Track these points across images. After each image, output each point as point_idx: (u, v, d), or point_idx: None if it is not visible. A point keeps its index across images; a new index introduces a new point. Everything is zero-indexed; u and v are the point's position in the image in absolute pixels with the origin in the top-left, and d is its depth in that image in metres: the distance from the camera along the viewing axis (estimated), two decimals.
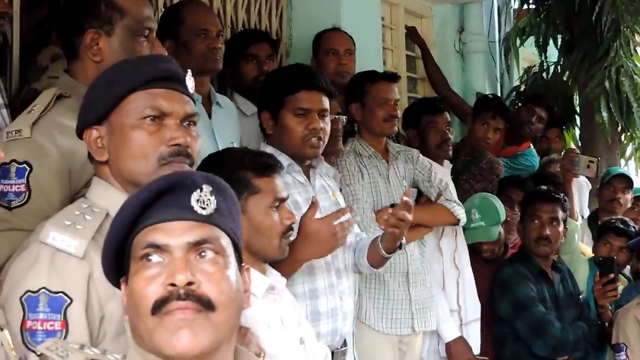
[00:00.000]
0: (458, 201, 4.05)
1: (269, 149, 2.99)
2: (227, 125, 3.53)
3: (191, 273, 1.51)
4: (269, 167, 2.56)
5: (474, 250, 4.43)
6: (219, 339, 1.54)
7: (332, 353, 2.96)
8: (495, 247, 4.50)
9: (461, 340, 4.18)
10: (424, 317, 3.97)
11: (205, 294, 1.52)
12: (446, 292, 4.24)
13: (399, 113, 4.07)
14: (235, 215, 1.67)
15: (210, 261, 1.55)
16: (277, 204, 2.54)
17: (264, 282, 2.48)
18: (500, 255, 4.58)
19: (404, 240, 3.16)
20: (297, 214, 2.87)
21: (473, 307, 4.31)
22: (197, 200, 1.57)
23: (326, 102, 3.06)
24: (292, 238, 2.63)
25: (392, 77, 4.03)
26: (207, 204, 1.58)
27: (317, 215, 3.01)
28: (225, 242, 1.60)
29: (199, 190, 1.57)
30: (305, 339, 2.60)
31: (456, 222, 4.02)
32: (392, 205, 3.74)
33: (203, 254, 1.55)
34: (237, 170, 2.49)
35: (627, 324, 4.15)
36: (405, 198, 2.99)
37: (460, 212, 3.98)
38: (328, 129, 3.08)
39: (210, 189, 1.59)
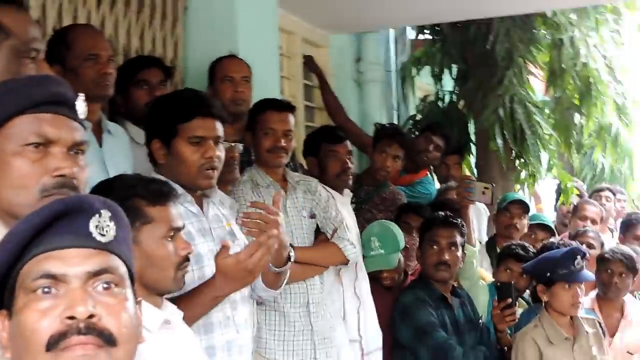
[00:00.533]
0: (351, 239, 4.00)
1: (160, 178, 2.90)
2: (119, 154, 3.41)
3: (92, 305, 1.41)
4: (164, 194, 2.45)
5: (374, 279, 4.40)
6: None
7: None
8: (395, 275, 4.48)
9: None
10: (325, 347, 3.90)
11: (106, 327, 1.42)
12: (347, 322, 4.19)
13: (294, 143, 4.01)
14: (130, 243, 1.59)
15: (110, 293, 1.46)
16: (172, 234, 2.44)
17: (159, 316, 2.37)
18: (401, 282, 4.56)
19: (292, 252, 3.11)
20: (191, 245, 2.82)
21: (374, 336, 4.26)
22: (96, 227, 1.47)
23: (220, 129, 2.98)
24: (187, 270, 2.53)
25: (280, 107, 3.93)
26: (107, 231, 1.48)
27: (211, 245, 2.94)
28: (124, 272, 1.51)
29: (97, 216, 1.48)
30: None
31: (346, 262, 3.99)
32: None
33: (103, 284, 1.45)
34: (129, 198, 2.37)
35: (525, 346, 4.19)
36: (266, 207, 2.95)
37: (351, 251, 3.95)
38: (223, 156, 3.00)
39: (109, 214, 1.50)
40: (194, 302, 2.69)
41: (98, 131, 3.36)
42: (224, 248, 2.72)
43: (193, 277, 2.82)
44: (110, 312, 1.43)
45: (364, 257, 4.31)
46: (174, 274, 2.43)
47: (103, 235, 1.47)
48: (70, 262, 1.43)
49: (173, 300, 2.54)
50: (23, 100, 1.85)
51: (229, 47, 4.52)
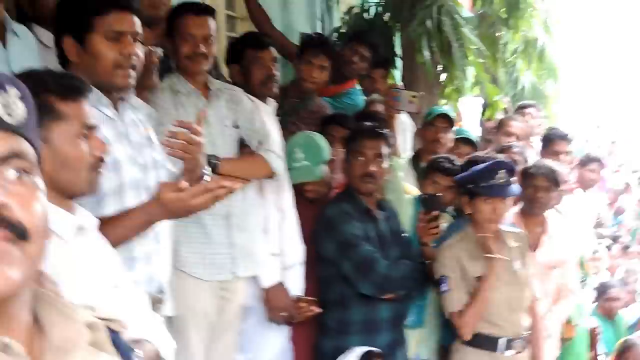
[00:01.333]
0: (277, 150, 3.88)
1: None
2: (25, 57, 3.20)
3: (2, 194, 1.21)
4: (76, 89, 2.26)
5: (298, 191, 4.28)
6: (31, 275, 1.26)
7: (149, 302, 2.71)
8: (319, 187, 4.36)
9: (279, 286, 4.06)
10: (245, 261, 3.82)
11: (19, 220, 1.22)
12: (268, 236, 4.07)
13: (214, 50, 3.82)
14: (36, 132, 1.38)
15: (21, 181, 1.25)
16: (86, 132, 2.26)
17: (73, 222, 2.21)
18: (325, 195, 4.45)
19: (206, 170, 3.01)
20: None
21: (295, 250, 4.17)
22: (3, 105, 1.26)
23: (139, 25, 2.78)
24: (102, 172, 2.36)
25: (199, 10, 3.74)
26: (15, 110, 1.27)
27: (128, 150, 2.76)
28: (34, 158, 1.30)
29: (3, 92, 1.26)
30: (120, 284, 2.35)
31: (272, 174, 3.87)
32: (208, 158, 3.54)
33: (13, 171, 1.25)
34: (38, 93, 2.14)
35: (447, 258, 4.15)
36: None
37: (277, 163, 3.84)
38: (142, 55, 2.81)
39: (18, 93, 1.29)
40: (122, 224, 2.56)
41: (1, 31, 3.16)
42: (168, 185, 2.61)
43: (111, 185, 2.69)
44: (23, 202, 1.24)
45: (287, 169, 4.18)
46: (89, 176, 2.27)
47: (10, 115, 1.26)
48: None
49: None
50: None
51: None
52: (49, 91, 2.20)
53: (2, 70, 2.88)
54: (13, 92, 1.28)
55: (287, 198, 4.18)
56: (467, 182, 4.23)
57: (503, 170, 4.11)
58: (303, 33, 5.59)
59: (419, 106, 4.73)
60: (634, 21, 21.37)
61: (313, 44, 5.03)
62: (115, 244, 2.50)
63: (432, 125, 5.38)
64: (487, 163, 4.22)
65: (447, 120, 5.41)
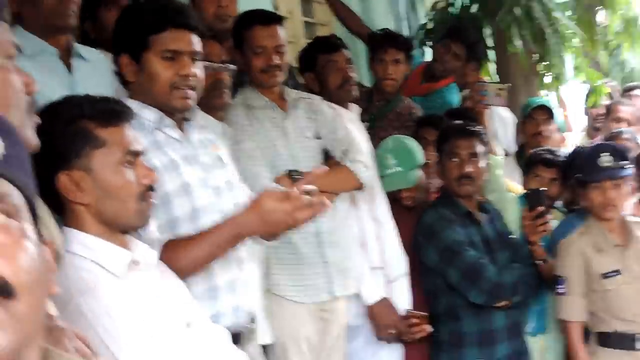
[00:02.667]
0: (364, 160, 3.64)
1: (131, 102, 2.51)
2: (94, 81, 3.05)
3: None
4: (116, 113, 2.10)
5: (394, 200, 4.04)
6: (23, 338, 1.05)
7: (239, 334, 2.55)
8: (416, 193, 4.11)
9: (384, 301, 3.81)
10: (343, 279, 3.59)
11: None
12: (367, 250, 3.84)
13: (288, 59, 3.62)
14: (27, 165, 1.19)
15: (2, 227, 1.07)
16: (130, 159, 2.08)
17: (124, 257, 2.04)
18: (423, 201, 4.18)
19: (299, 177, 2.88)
20: (176, 175, 2.47)
21: (398, 262, 3.92)
22: None
23: (198, 43, 2.60)
24: (153, 200, 2.16)
25: (267, 19, 3.55)
26: None
27: (199, 173, 2.57)
28: (19, 201, 1.11)
29: None
30: (193, 322, 2.16)
31: (361, 186, 3.63)
32: (290, 173, 3.40)
33: None
34: (74, 120, 2.04)
35: (569, 256, 3.86)
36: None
37: (365, 174, 3.60)
38: (202, 75, 2.62)
39: None
40: (206, 240, 2.39)
41: (67, 58, 3.06)
42: (271, 193, 2.43)
43: (184, 210, 2.50)
44: (4, 253, 1.04)
45: (380, 177, 3.96)
46: (136, 206, 2.09)
47: None
48: None
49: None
50: None
51: None
52: (86, 117, 2.06)
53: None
54: None
55: (382, 207, 3.95)
56: (573, 172, 3.99)
57: (607, 153, 3.83)
58: (370, 32, 5.34)
59: (506, 99, 4.42)
60: None
61: (379, 40, 4.80)
62: (197, 265, 2.36)
63: (532, 118, 5.14)
64: (589, 148, 4.01)
65: (547, 111, 5.15)
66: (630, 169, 3.92)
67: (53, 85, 2.84)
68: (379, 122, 4.64)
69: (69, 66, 3.04)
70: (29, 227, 1.10)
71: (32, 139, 1.61)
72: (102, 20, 3.54)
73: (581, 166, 3.93)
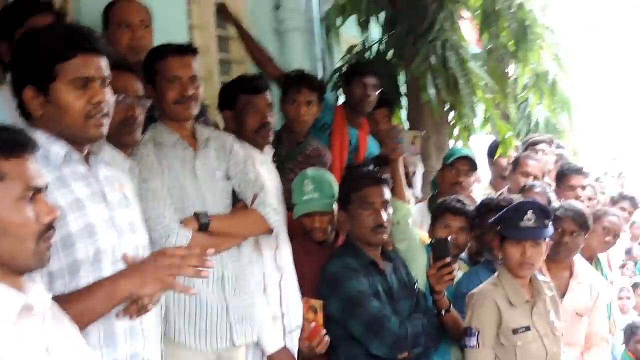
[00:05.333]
0: (275, 204, 3.58)
1: (37, 136, 2.37)
2: None
3: None
4: (18, 145, 1.96)
5: (304, 234, 3.99)
6: None
7: None
8: (328, 226, 4.03)
9: (284, 350, 3.73)
10: (244, 327, 3.50)
11: None
12: (268, 297, 3.75)
13: (202, 92, 3.52)
14: None
15: None
16: (31, 195, 1.95)
17: (16, 301, 1.89)
18: (331, 243, 4.13)
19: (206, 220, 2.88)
20: (80, 215, 2.35)
21: (298, 311, 3.82)
22: None
23: (107, 68, 2.47)
24: (53, 240, 2.02)
25: (182, 50, 3.45)
26: None
27: (105, 212, 2.44)
28: None
29: None
30: None
31: (270, 231, 3.55)
32: (196, 215, 3.31)
33: None
34: None
35: (484, 307, 3.84)
36: None
37: (274, 218, 3.53)
38: (112, 100, 2.50)
39: None
40: (81, 302, 2.25)
41: None
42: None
43: (87, 253, 2.37)
44: None
45: (294, 204, 3.95)
46: (35, 246, 1.96)
47: None
48: None
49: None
50: None
51: None
52: None
53: None
54: None
55: (286, 254, 3.88)
56: (496, 224, 3.98)
57: (531, 211, 3.85)
58: (282, 73, 5.29)
59: (421, 147, 4.41)
60: None
61: (293, 81, 4.72)
62: (80, 325, 2.19)
63: (453, 167, 5.16)
64: (514, 204, 3.99)
65: (470, 163, 5.18)
66: (550, 229, 3.94)
67: None
68: (288, 163, 4.57)
69: None
70: None
71: None
72: None
73: (503, 221, 3.92)
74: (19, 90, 2.44)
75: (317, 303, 3.75)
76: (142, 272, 2.27)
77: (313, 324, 3.74)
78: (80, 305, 2.24)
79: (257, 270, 3.71)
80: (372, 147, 5.42)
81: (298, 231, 4.03)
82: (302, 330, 3.76)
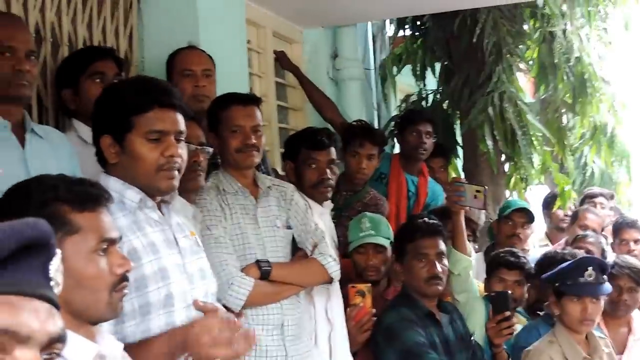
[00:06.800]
0: (335, 254, 3.57)
1: (112, 182, 2.43)
2: (47, 156, 2.96)
3: None
4: (93, 198, 1.97)
5: (358, 275, 4.01)
6: None
7: None
8: (382, 266, 4.05)
9: None
10: None
11: None
12: (318, 349, 3.70)
13: (264, 141, 3.54)
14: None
15: None
16: (105, 247, 1.96)
17: (90, 350, 1.89)
18: (384, 288, 4.13)
19: (267, 268, 2.95)
20: (154, 259, 2.37)
21: None
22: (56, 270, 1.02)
23: (182, 123, 2.51)
24: (126, 291, 2.03)
25: (246, 100, 3.49)
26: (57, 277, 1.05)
27: (177, 258, 2.46)
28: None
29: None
30: None
31: (330, 280, 3.54)
32: (257, 263, 3.33)
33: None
34: (48, 202, 1.90)
35: None
36: None
37: (335, 268, 3.51)
38: (186, 155, 2.53)
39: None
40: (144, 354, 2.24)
41: (21, 132, 2.94)
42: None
43: (159, 296, 2.39)
44: None
45: (350, 242, 4.04)
46: (108, 298, 1.96)
47: (58, 284, 1.04)
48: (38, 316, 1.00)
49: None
50: None
51: (190, 38, 4.10)
52: (61, 200, 1.92)
53: (19, 170, 2.70)
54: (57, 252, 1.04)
55: (338, 306, 3.83)
56: (553, 280, 3.90)
57: (591, 267, 3.79)
58: (345, 122, 5.30)
59: (484, 201, 4.35)
60: None
61: (356, 133, 4.73)
62: None
63: (510, 219, 5.12)
64: (575, 259, 3.93)
65: (527, 215, 5.14)
66: (609, 285, 3.88)
67: (3, 158, 2.75)
68: (345, 211, 4.56)
69: (22, 142, 2.92)
70: None
71: None
72: (83, 90, 3.39)
73: (563, 276, 3.85)
74: (97, 138, 2.50)
75: (365, 287, 3.78)
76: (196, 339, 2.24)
77: (361, 305, 3.75)
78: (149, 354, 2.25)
79: (309, 321, 3.67)
80: (435, 191, 5.37)
81: (350, 277, 4.02)
82: (349, 312, 3.77)
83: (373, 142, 4.67)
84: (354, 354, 3.82)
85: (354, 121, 5.05)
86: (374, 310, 3.76)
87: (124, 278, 2.00)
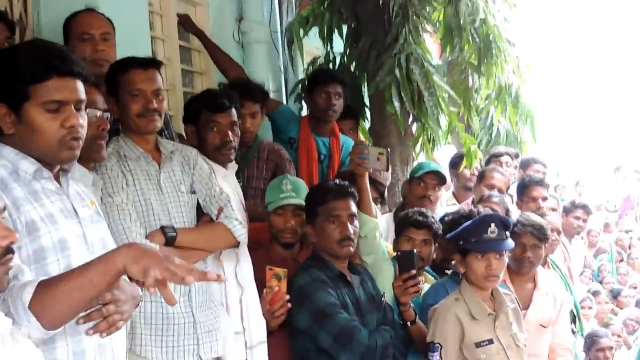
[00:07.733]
0: (240, 217, 3.55)
1: (6, 152, 2.35)
2: None
3: None
4: None
5: (273, 238, 4.05)
6: None
7: None
8: (298, 229, 4.05)
9: None
10: (210, 341, 3.45)
11: None
12: (230, 313, 3.69)
13: (166, 105, 3.48)
14: None
15: None
16: None
17: None
18: (298, 250, 4.14)
19: (173, 234, 2.94)
20: (53, 229, 2.30)
21: (259, 327, 3.78)
22: None
23: (83, 91, 2.42)
24: (12, 263, 1.96)
25: (145, 64, 3.42)
26: None
27: (77, 228, 2.40)
28: None
29: None
30: None
31: (237, 244, 3.54)
32: (162, 229, 3.29)
33: None
34: None
35: (447, 322, 3.85)
36: None
37: (241, 232, 3.52)
38: (86, 124, 2.45)
39: None
40: (85, 273, 2.14)
41: None
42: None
43: (58, 268, 2.31)
44: None
45: (269, 202, 4.06)
46: None
47: None
48: None
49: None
50: None
51: (88, 1, 4.01)
52: None
53: None
54: None
55: (247, 269, 3.82)
56: (458, 238, 3.99)
57: (493, 224, 3.88)
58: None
59: (387, 163, 4.39)
60: (608, 59, 21.39)
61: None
62: (73, 303, 2.13)
63: (421, 181, 5.13)
64: (477, 217, 4.01)
65: (438, 177, 5.17)
66: (511, 241, 3.96)
67: None
68: (248, 171, 4.58)
69: None
70: None
71: None
72: None
73: (466, 234, 3.93)
74: None
75: (282, 271, 3.78)
76: (141, 253, 2.15)
77: (276, 289, 3.75)
78: (77, 281, 2.14)
79: (218, 286, 3.64)
80: (349, 147, 5.28)
81: (263, 241, 4.04)
82: (264, 295, 3.77)
83: (254, 100, 4.66)
84: (269, 334, 3.82)
85: (231, 81, 5.01)
86: (288, 297, 3.76)
87: (8, 250, 1.92)
